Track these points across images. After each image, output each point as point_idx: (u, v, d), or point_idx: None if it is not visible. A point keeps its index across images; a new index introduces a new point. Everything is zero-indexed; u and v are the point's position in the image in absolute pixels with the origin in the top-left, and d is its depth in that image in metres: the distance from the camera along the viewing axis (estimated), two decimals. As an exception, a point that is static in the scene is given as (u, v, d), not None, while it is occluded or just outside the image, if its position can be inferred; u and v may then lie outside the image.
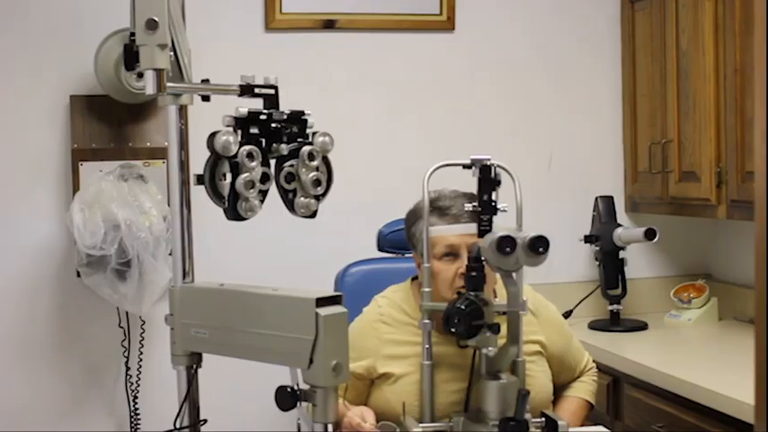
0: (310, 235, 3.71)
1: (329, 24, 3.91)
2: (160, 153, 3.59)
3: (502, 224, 2.47)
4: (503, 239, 2.27)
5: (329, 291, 2.15)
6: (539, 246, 2.26)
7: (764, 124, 1.14)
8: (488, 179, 2.42)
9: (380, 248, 3.35)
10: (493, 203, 2.43)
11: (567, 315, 3.93)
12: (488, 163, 2.44)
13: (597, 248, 3.99)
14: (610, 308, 3.97)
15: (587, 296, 4.06)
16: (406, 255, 3.09)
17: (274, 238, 3.75)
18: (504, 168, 2.50)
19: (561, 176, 4.18)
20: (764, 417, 1.18)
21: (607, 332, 3.88)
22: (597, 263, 4.02)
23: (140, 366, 3.70)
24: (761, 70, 1.15)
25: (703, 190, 3.56)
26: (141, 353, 3.70)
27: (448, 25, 4.02)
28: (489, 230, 2.40)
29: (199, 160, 2.06)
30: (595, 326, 3.96)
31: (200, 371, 2.18)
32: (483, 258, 2.37)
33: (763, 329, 1.19)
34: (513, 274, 2.39)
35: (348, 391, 2.63)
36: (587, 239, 3.99)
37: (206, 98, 2.22)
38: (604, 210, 4.00)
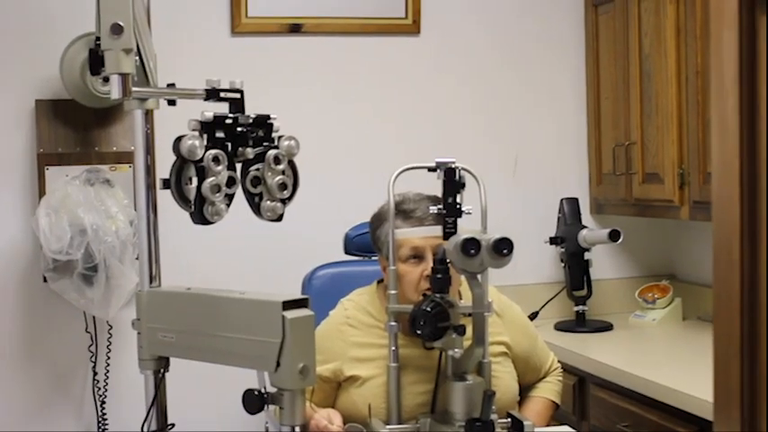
0: (278, 238, 3.72)
1: (295, 28, 3.92)
2: (126, 157, 3.58)
3: (467, 226, 2.49)
4: (467, 242, 2.29)
5: (296, 294, 2.16)
6: (503, 248, 2.28)
7: (721, 127, 1.17)
8: (453, 182, 2.44)
9: (347, 251, 3.36)
10: (457, 206, 2.44)
11: (533, 316, 3.96)
12: (453, 166, 2.46)
13: (562, 250, 4.02)
14: (575, 309, 4.00)
15: (553, 297, 4.09)
16: (373, 257, 3.11)
17: (242, 241, 3.75)
18: (468, 171, 2.52)
19: (527, 179, 4.20)
20: (723, 414, 1.20)
21: (573, 333, 3.90)
22: (563, 264, 4.04)
23: (108, 371, 3.69)
24: (717, 74, 1.18)
25: (666, 191, 3.60)
26: (109, 358, 3.69)
27: (413, 29, 4.04)
28: (454, 233, 2.42)
29: (165, 164, 2.07)
30: (561, 327, 3.98)
31: (167, 375, 2.19)
32: (448, 260, 2.39)
33: (721, 328, 1.21)
34: (478, 276, 2.41)
35: (315, 394, 2.64)
36: (553, 241, 4.02)
37: (172, 102, 2.23)
38: (569, 211, 4.03)
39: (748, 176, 1.11)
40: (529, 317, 3.82)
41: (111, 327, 3.66)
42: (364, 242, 3.15)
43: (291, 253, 3.81)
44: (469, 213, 2.46)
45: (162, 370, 2.18)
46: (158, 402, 2.16)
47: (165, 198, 2.12)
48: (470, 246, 2.28)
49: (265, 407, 1.99)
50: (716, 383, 1.22)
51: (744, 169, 1.11)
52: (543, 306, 4.07)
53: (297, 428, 2.00)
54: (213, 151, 2.06)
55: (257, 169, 2.15)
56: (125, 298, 3.43)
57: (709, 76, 3.36)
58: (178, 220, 2.22)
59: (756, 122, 1.09)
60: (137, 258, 2.51)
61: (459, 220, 2.48)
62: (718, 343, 1.21)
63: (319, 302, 2.91)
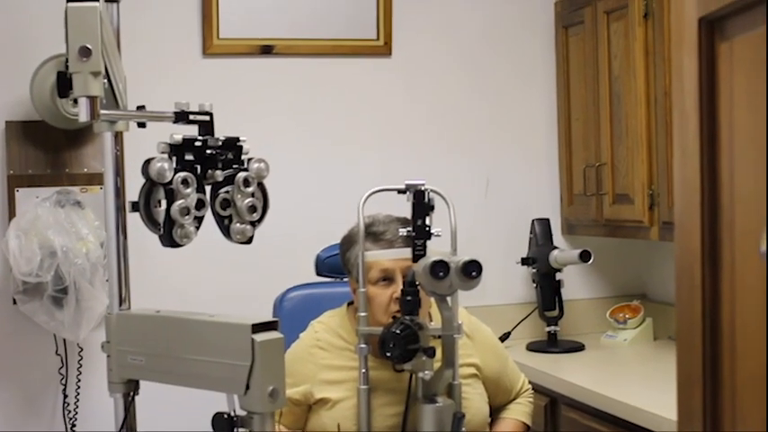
0: (249, 260, 3.71)
1: (267, 50, 3.93)
2: (97, 179, 3.58)
3: (438, 248, 2.50)
4: (436, 264, 2.29)
5: (266, 316, 2.16)
6: (471, 270, 2.28)
7: (682, 151, 1.18)
8: (422, 204, 2.44)
9: (319, 273, 3.35)
10: (427, 228, 2.45)
11: (505, 337, 3.97)
12: (422, 188, 2.46)
13: (534, 270, 4.03)
14: (547, 329, 4.01)
15: (524, 318, 4.10)
16: (345, 279, 3.10)
17: (212, 264, 3.74)
18: (437, 193, 2.53)
19: (498, 199, 4.22)
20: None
21: (545, 353, 3.92)
22: (534, 285, 4.06)
23: (78, 394, 3.67)
24: (678, 99, 1.19)
25: (636, 212, 3.62)
26: (79, 380, 3.67)
27: (385, 50, 4.05)
28: (423, 255, 2.42)
29: (137, 186, 2.06)
30: (533, 347, 3.99)
31: (137, 398, 2.18)
32: (417, 283, 2.39)
33: (684, 351, 1.22)
34: (448, 299, 2.41)
35: (285, 417, 2.63)
36: (524, 262, 4.03)
37: (142, 125, 2.22)
38: (541, 232, 4.05)
39: (709, 201, 1.12)
40: (501, 337, 3.85)
41: (82, 349, 3.65)
42: (336, 264, 3.14)
43: (263, 275, 3.80)
44: (439, 236, 2.47)
45: (132, 393, 2.16)
46: (128, 425, 2.15)
47: (135, 220, 2.11)
48: (439, 268, 2.29)
49: (235, 430, 1.98)
50: (679, 405, 1.23)
51: (705, 193, 1.12)
52: (515, 327, 4.07)
53: (266, 451, 1.99)
54: (182, 174, 2.05)
55: (227, 192, 2.15)
56: (95, 320, 3.42)
57: (678, 98, 3.42)
58: (148, 242, 2.21)
59: (716, 147, 1.10)
60: (107, 280, 2.50)
61: (429, 242, 2.48)
62: (681, 365, 1.22)
63: (291, 324, 2.92)
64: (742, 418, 1.07)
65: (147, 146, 2.17)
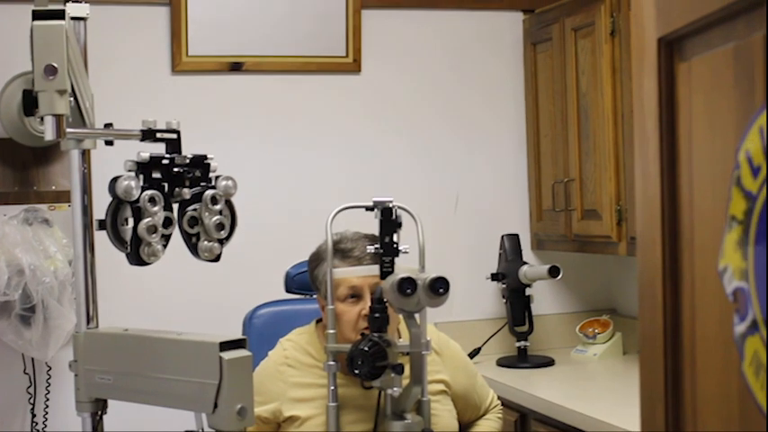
0: (218, 278, 3.70)
1: (236, 67, 3.93)
2: (66, 196, 3.56)
3: (407, 265, 2.50)
4: (403, 281, 2.30)
5: (234, 334, 2.16)
6: (439, 287, 2.29)
7: (643, 171, 1.19)
8: (389, 221, 2.45)
9: (288, 290, 3.35)
10: (394, 245, 2.46)
11: (475, 352, 3.98)
12: (390, 205, 2.47)
13: (504, 286, 4.05)
14: (517, 344, 4.03)
15: (495, 333, 4.11)
16: (314, 296, 3.10)
17: (182, 281, 3.73)
18: (405, 210, 2.53)
19: (468, 215, 4.23)
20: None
21: (515, 369, 3.93)
22: (504, 300, 4.07)
23: (46, 413, 3.65)
24: (639, 119, 1.20)
25: (604, 227, 3.64)
26: (48, 399, 3.64)
27: (354, 67, 4.07)
28: (391, 272, 2.43)
29: (105, 204, 2.06)
30: (503, 363, 4.00)
31: (105, 417, 2.17)
32: (385, 300, 2.40)
33: (646, 368, 1.23)
34: (416, 315, 2.42)
35: (255, 435, 2.63)
36: (494, 277, 4.04)
37: (110, 143, 2.22)
38: (510, 248, 4.06)
39: (669, 219, 1.13)
40: (471, 353, 3.86)
41: (50, 368, 3.62)
42: (305, 280, 3.14)
43: (232, 292, 3.80)
44: (406, 252, 2.47)
45: (100, 412, 2.16)
46: (95, 445, 2.14)
47: (104, 238, 2.11)
48: (406, 285, 2.29)
49: (203, 449, 1.97)
50: (642, 422, 1.24)
51: (665, 211, 1.13)
52: (485, 342, 4.08)
53: (234, 470, 1.99)
54: (149, 192, 2.05)
55: (194, 209, 2.14)
56: (64, 339, 3.40)
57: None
58: (116, 260, 2.21)
59: (676, 166, 1.11)
60: (75, 298, 2.49)
61: (397, 258, 2.49)
62: (644, 382, 1.23)
63: (261, 341, 2.92)
64: (703, 434, 1.08)
65: (115, 163, 2.17)
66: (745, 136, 0.89)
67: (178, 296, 3.82)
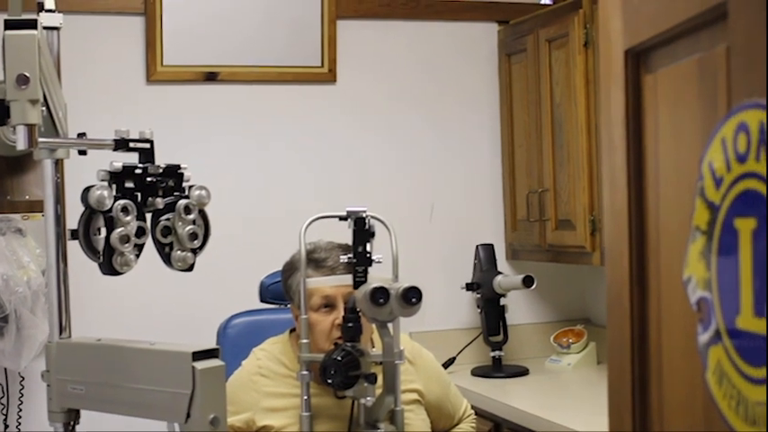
0: (193, 287, 3.70)
1: (211, 77, 3.93)
2: (39, 206, 3.53)
3: (381, 275, 2.51)
4: (376, 291, 2.30)
5: (208, 344, 2.15)
6: (412, 296, 2.30)
7: (611, 181, 1.20)
8: (363, 231, 2.46)
9: (263, 299, 3.35)
10: (368, 254, 2.46)
11: (450, 362, 3.98)
12: (363, 215, 2.48)
13: (479, 296, 4.05)
14: (492, 354, 4.03)
15: (469, 343, 4.12)
16: (289, 305, 3.10)
17: (156, 291, 3.72)
18: (379, 219, 2.54)
19: (443, 225, 4.24)
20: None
21: (489, 378, 3.93)
22: (479, 310, 4.08)
23: (19, 424, 3.63)
24: (607, 130, 1.21)
25: (578, 237, 3.66)
26: (21, 410, 3.62)
27: (330, 77, 4.07)
28: (364, 281, 2.44)
29: (79, 214, 2.05)
30: (478, 372, 4.01)
31: (78, 427, 2.16)
32: (358, 309, 2.40)
33: (614, 377, 1.24)
34: (389, 325, 2.42)
35: (228, 445, 2.63)
36: (469, 287, 4.05)
37: (83, 152, 2.22)
38: (485, 257, 4.07)
39: (636, 229, 1.14)
40: (446, 363, 3.87)
41: (24, 378, 3.61)
42: (279, 290, 3.15)
43: (206, 302, 3.79)
44: (380, 262, 2.48)
45: (72, 422, 2.15)
46: (68, 456, 2.13)
47: (76, 248, 2.10)
48: (379, 295, 2.30)
49: (175, 459, 1.97)
50: (611, 430, 1.25)
51: (632, 222, 1.14)
52: (460, 352, 4.09)
53: (207, 480, 1.98)
54: (122, 201, 2.04)
55: (167, 219, 2.14)
56: (37, 349, 3.38)
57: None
58: (89, 270, 2.20)
59: (643, 177, 1.12)
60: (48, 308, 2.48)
61: (372, 268, 2.49)
62: (612, 391, 1.24)
63: (235, 351, 2.92)
64: (670, 443, 1.09)
65: (89, 173, 2.17)
66: (708, 147, 0.90)
67: (152, 306, 3.81)
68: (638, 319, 1.15)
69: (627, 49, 1.14)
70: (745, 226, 0.83)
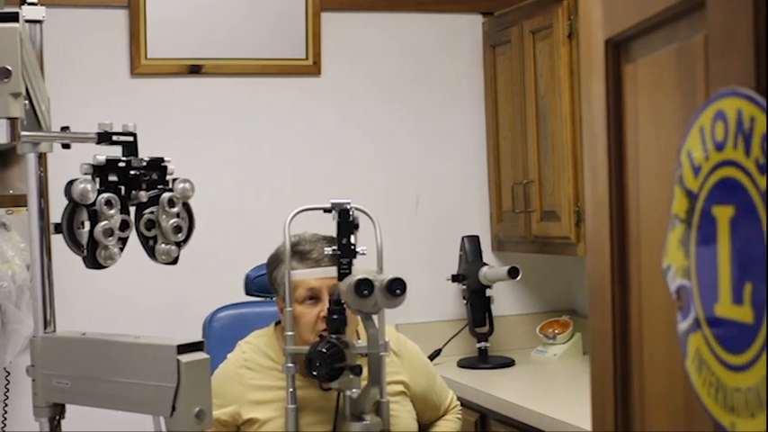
0: (178, 281, 3.69)
1: (195, 70, 3.92)
2: (23, 200, 3.49)
3: (365, 267, 2.51)
4: (360, 282, 2.31)
5: (194, 337, 2.15)
6: (396, 288, 2.30)
7: (592, 171, 1.21)
8: (347, 223, 2.46)
9: (248, 292, 3.35)
10: (352, 246, 2.46)
11: (435, 354, 3.99)
12: (347, 206, 2.48)
13: (464, 287, 4.06)
14: (478, 345, 4.04)
15: (455, 335, 4.12)
16: (274, 298, 3.11)
17: (141, 285, 3.72)
18: (363, 211, 2.54)
19: (428, 217, 4.25)
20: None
21: (475, 369, 3.94)
22: (464, 301, 4.08)
23: (5, 419, 3.62)
24: (588, 120, 1.22)
25: (563, 228, 3.66)
26: (6, 405, 3.62)
27: (314, 70, 4.07)
28: (349, 273, 2.44)
29: (62, 207, 2.05)
30: (464, 364, 4.02)
31: (63, 422, 2.16)
32: (343, 301, 2.41)
33: (597, 367, 1.24)
34: (374, 317, 2.43)
35: (213, 438, 2.63)
36: (454, 278, 4.05)
37: (66, 146, 2.21)
38: (470, 249, 4.08)
39: (617, 219, 1.14)
40: (431, 354, 3.87)
41: (9, 373, 3.59)
42: (265, 283, 3.15)
43: (192, 295, 3.79)
44: (364, 254, 2.48)
45: (58, 417, 2.14)
46: (53, 450, 2.13)
47: (60, 242, 2.10)
48: (363, 286, 2.30)
49: (160, 452, 1.97)
50: (593, 422, 1.25)
51: (613, 212, 1.15)
52: (446, 343, 4.09)
53: (193, 473, 1.98)
54: (106, 195, 2.04)
55: (151, 212, 2.14)
56: (22, 343, 3.37)
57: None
58: (73, 264, 2.20)
59: (623, 167, 1.12)
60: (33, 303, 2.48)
61: (357, 260, 2.50)
62: (595, 382, 1.24)
63: (221, 344, 2.92)
64: (651, 433, 1.09)
65: (73, 167, 2.16)
66: (687, 135, 0.90)
67: (137, 300, 3.81)
68: (619, 308, 1.15)
69: (607, 39, 1.14)
70: (723, 214, 0.83)
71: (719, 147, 0.84)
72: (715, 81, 0.87)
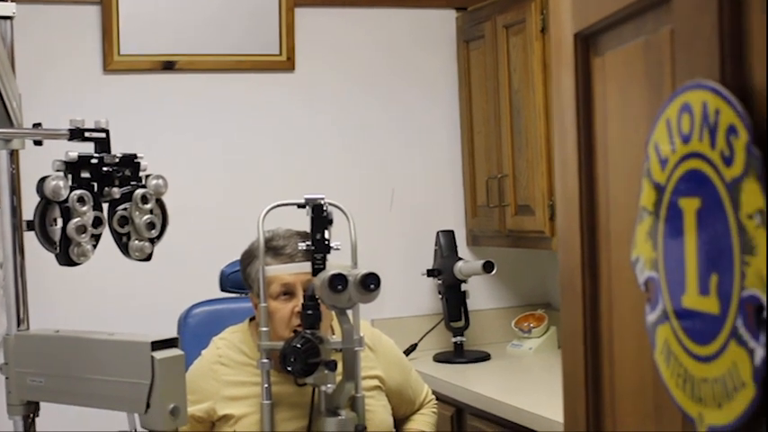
0: (153, 277, 3.67)
1: (168, 66, 3.91)
2: (-4, 198, 3.51)
3: (340, 262, 2.51)
4: (334, 277, 2.31)
5: (168, 333, 2.15)
6: (370, 282, 2.30)
7: (562, 165, 1.21)
8: (320, 218, 2.46)
9: (223, 288, 3.34)
10: (326, 242, 2.47)
11: (411, 348, 3.99)
12: (321, 202, 2.48)
13: (440, 282, 4.06)
14: (453, 340, 4.05)
15: (431, 329, 4.13)
16: (249, 294, 3.10)
17: (115, 281, 3.70)
18: (337, 206, 2.55)
19: (403, 212, 4.25)
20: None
21: (451, 364, 3.95)
22: (440, 296, 4.09)
23: (-21, 417, 3.60)
24: (558, 114, 1.22)
25: (537, 223, 3.67)
26: (-20, 403, 3.59)
27: (288, 65, 4.06)
28: (323, 269, 2.44)
29: (35, 205, 2.04)
30: (440, 358, 4.02)
31: (37, 420, 2.15)
32: (317, 296, 2.41)
33: (568, 360, 1.25)
34: (348, 312, 2.43)
35: (189, 435, 2.63)
36: (430, 273, 4.06)
37: (38, 143, 2.20)
38: (446, 244, 4.08)
39: (587, 211, 1.15)
40: (407, 349, 3.88)
41: (-18, 371, 3.57)
42: (239, 279, 3.14)
43: (167, 292, 3.78)
44: (338, 249, 2.49)
45: (32, 415, 2.14)
46: (27, 448, 2.12)
47: (33, 239, 2.09)
48: (337, 281, 2.30)
49: (135, 449, 1.97)
50: (565, 413, 1.26)
51: (583, 204, 1.15)
52: (422, 338, 4.10)
53: (167, 469, 1.98)
54: (78, 192, 2.03)
55: (125, 209, 2.13)
56: (-5, 342, 3.35)
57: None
58: (47, 261, 2.19)
59: (593, 160, 1.13)
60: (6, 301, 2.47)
61: (332, 255, 2.50)
62: (566, 374, 1.25)
63: (196, 341, 2.91)
64: (622, 426, 1.10)
65: (46, 164, 2.15)
66: (654, 128, 0.91)
67: (111, 297, 3.79)
68: (590, 301, 1.16)
69: (576, 32, 1.14)
70: (690, 206, 0.84)
71: (685, 139, 0.84)
72: (681, 74, 0.87)
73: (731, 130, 0.77)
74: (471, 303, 4.11)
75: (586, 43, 1.13)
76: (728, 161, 0.78)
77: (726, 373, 0.79)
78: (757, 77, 0.77)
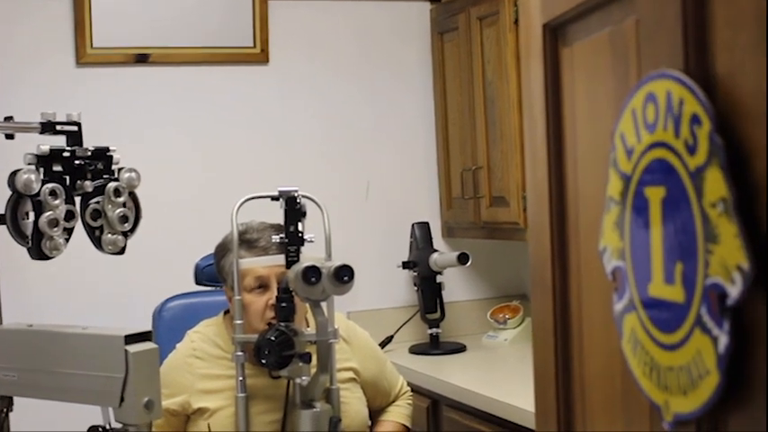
0: (127, 271, 3.66)
1: (142, 59, 3.89)
2: (-32, 192, 3.49)
3: (314, 254, 2.51)
4: (308, 270, 2.31)
5: (142, 327, 2.15)
6: (344, 275, 2.30)
7: (532, 156, 1.22)
8: (294, 210, 2.46)
9: (198, 282, 3.33)
10: (299, 234, 2.47)
11: (387, 340, 4.00)
12: (294, 194, 2.48)
13: (415, 274, 4.07)
14: (429, 332, 4.05)
15: (407, 321, 4.13)
16: (224, 287, 3.10)
17: (89, 275, 3.69)
18: (310, 198, 2.55)
19: (379, 204, 4.25)
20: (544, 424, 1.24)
21: (427, 356, 3.95)
22: (416, 288, 4.09)
23: (-47, 412, 3.58)
24: (527, 105, 1.23)
25: (512, 214, 3.68)
26: (-46, 398, 3.58)
27: (262, 58, 4.05)
28: (297, 261, 2.44)
29: (6, 199, 2.03)
30: (416, 350, 4.03)
31: (11, 414, 2.14)
32: (292, 289, 2.41)
33: (539, 351, 1.25)
34: (322, 304, 2.43)
35: (163, 428, 2.62)
36: (405, 265, 4.06)
37: (10, 136, 2.19)
38: (421, 236, 4.09)
39: (557, 202, 1.15)
40: (383, 341, 3.89)
41: (-43, 366, 3.56)
42: (214, 272, 3.14)
43: (141, 285, 3.76)
44: (312, 241, 2.49)
45: (6, 409, 2.13)
46: (1, 442, 2.12)
47: (4, 233, 2.08)
48: (311, 274, 2.30)
49: (110, 443, 1.96)
50: (536, 404, 1.27)
51: (552, 195, 1.16)
52: (397, 330, 4.10)
53: (142, 463, 1.98)
54: (50, 185, 2.03)
55: (97, 202, 2.13)
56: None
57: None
58: (19, 255, 2.18)
59: (562, 151, 1.14)
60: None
61: (307, 248, 2.50)
62: (537, 364, 1.26)
63: (171, 334, 2.90)
64: (591, 415, 1.11)
65: (18, 157, 2.14)
66: (620, 118, 0.91)
67: (85, 291, 3.78)
68: (560, 292, 1.17)
69: (545, 23, 1.15)
70: (655, 195, 0.85)
71: (651, 129, 0.85)
72: (646, 64, 0.88)
73: (695, 119, 0.78)
74: (447, 295, 4.11)
75: (555, 34, 1.14)
76: (692, 150, 0.78)
77: (691, 361, 0.80)
78: (720, 67, 0.77)
